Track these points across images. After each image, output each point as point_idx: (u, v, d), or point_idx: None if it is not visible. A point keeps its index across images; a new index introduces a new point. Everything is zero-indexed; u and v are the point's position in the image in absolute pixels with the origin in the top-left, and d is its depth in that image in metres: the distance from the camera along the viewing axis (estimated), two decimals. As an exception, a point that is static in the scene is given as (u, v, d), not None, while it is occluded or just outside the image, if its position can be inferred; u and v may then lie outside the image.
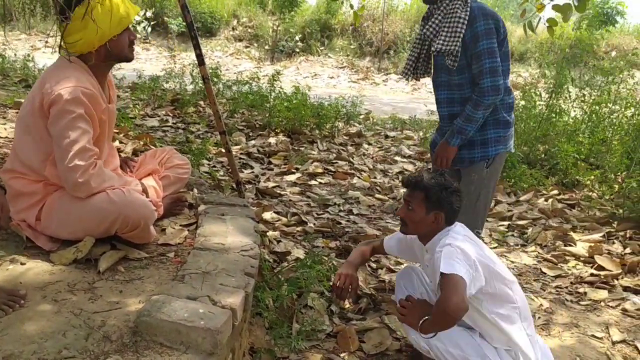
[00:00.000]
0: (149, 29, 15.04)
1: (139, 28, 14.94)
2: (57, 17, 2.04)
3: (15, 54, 8.11)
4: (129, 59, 2.25)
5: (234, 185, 2.84)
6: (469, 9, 2.41)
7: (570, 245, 3.80)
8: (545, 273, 3.46)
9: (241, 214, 2.50)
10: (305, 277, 2.63)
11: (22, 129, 2.08)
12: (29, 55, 8.70)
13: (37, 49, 12.72)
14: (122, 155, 3.31)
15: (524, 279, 3.36)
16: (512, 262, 3.60)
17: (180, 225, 2.44)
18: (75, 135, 1.97)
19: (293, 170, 5.07)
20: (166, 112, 6.49)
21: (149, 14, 14.99)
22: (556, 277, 3.42)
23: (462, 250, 1.87)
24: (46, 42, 13.30)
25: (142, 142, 3.69)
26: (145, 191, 2.33)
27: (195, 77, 7.71)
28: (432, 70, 2.71)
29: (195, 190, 2.83)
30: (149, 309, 1.61)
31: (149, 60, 13.33)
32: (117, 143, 3.48)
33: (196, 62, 2.64)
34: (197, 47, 2.54)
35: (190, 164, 2.73)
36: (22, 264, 1.92)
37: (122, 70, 7.75)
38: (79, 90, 1.99)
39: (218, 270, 1.92)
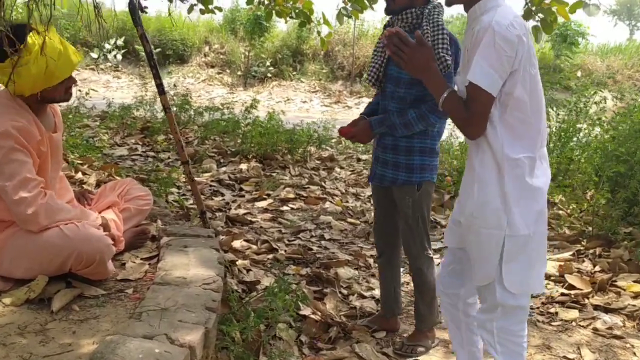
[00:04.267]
0: (120, 57, 14.96)
1: (109, 56, 14.85)
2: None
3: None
4: (64, 100, 2.23)
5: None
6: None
7: (541, 265, 3.81)
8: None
9: (205, 245, 2.44)
10: (273, 306, 2.57)
11: None
12: None
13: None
14: (85, 187, 3.24)
15: (496, 301, 3.34)
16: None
17: (141, 259, 2.37)
18: (12, 169, 1.91)
19: (264, 197, 5.03)
20: (136, 140, 6.42)
21: (119, 42, 14.93)
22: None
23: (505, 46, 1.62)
24: None
25: (106, 173, 3.62)
26: (105, 225, 2.26)
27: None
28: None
29: (159, 222, 2.76)
30: (102, 351, 1.54)
31: (120, 89, 13.23)
32: (79, 175, 3.40)
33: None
34: (156, 77, 2.50)
35: (151, 195, 2.67)
36: (-30, 306, 1.83)
37: (93, 100, 7.67)
38: (8, 124, 1.95)
39: (177, 305, 1.85)
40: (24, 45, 1.91)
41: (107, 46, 14.96)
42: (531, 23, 3.98)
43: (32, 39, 1.98)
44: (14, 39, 1.79)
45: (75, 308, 1.89)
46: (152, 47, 2.55)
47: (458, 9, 3.77)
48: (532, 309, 3.27)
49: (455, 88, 1.87)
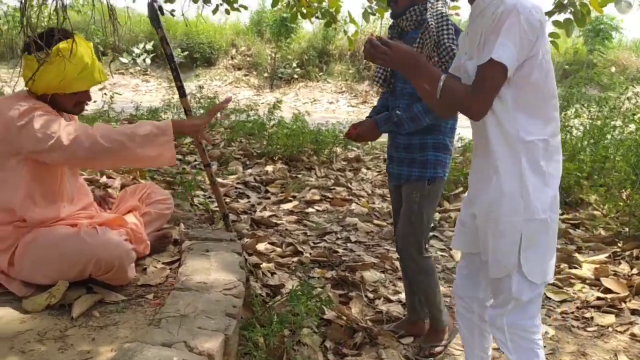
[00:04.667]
0: (149, 61, 15.15)
1: (138, 61, 15.06)
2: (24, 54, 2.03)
3: (13, 91, 8.11)
4: (72, 113, 2.22)
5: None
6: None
7: (576, 268, 3.68)
8: (550, 298, 3.33)
9: (227, 249, 2.40)
10: (296, 311, 2.53)
11: None
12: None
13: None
14: (109, 190, 3.25)
15: (528, 305, 3.23)
16: (516, 287, 3.47)
17: (163, 264, 2.35)
18: (50, 122, 1.92)
19: (290, 199, 4.99)
20: (162, 143, 6.45)
21: (148, 46, 15.12)
22: (562, 302, 3.29)
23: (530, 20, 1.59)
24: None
25: (131, 177, 3.62)
26: (130, 238, 2.21)
27: (194, 107, 7.73)
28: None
29: (182, 226, 2.74)
30: (119, 359, 1.51)
31: (149, 92, 13.39)
32: (104, 178, 3.41)
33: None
34: (177, 79, 2.48)
35: (172, 198, 2.65)
36: (-9, 312, 1.83)
37: (121, 103, 7.76)
38: (31, 103, 1.97)
39: (197, 312, 1.82)
40: (48, 49, 1.91)
41: (137, 50, 15.17)
42: (561, 16, 3.87)
43: (67, 43, 2.01)
44: (40, 41, 1.83)
45: (95, 314, 1.87)
46: (172, 49, 2.53)
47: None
48: (566, 313, 3.15)
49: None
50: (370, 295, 3.21)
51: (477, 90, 1.65)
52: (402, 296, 3.21)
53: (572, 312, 3.16)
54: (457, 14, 6.84)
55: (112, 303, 1.96)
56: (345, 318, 2.83)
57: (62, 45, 1.98)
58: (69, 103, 2.14)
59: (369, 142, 7.65)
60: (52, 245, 1.94)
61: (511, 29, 1.58)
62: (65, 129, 1.93)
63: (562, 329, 2.96)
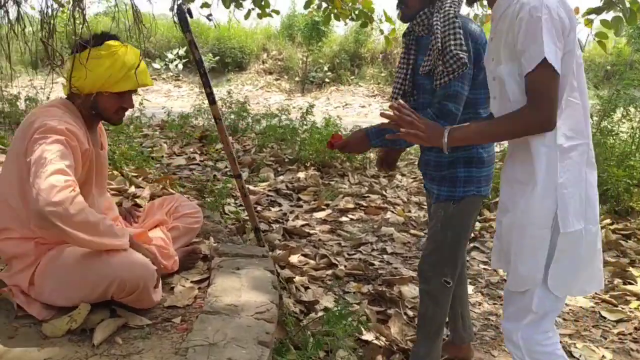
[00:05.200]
0: (180, 66, 15.22)
1: (171, 66, 15.15)
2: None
3: (48, 98, 8.17)
4: (111, 121, 2.13)
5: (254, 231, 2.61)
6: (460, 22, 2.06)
7: (631, 283, 3.42)
8: (605, 317, 3.09)
9: (258, 266, 2.26)
10: (333, 332, 2.36)
11: (8, 176, 1.92)
12: (61, 98, 8.82)
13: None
14: (138, 200, 3.14)
15: (581, 326, 3.00)
16: (567, 304, 3.23)
17: (191, 282, 2.21)
18: (54, 156, 1.77)
19: (323, 207, 4.83)
20: (194, 149, 6.39)
21: (181, 51, 15.19)
22: (618, 321, 3.05)
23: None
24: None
25: (160, 186, 3.51)
26: (154, 260, 2.07)
27: (225, 112, 7.65)
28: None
29: (212, 239, 2.61)
30: (141, 396, 1.37)
31: (181, 98, 13.42)
32: (132, 188, 3.31)
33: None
34: (206, 85, 2.35)
35: (201, 212, 2.51)
36: (9, 337, 1.71)
37: (152, 109, 7.74)
38: (64, 125, 1.87)
39: (227, 339, 1.67)
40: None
41: (170, 56, 15.26)
42: (609, 15, 3.65)
43: (114, 42, 2.04)
44: (86, 44, 1.91)
45: (119, 341, 1.74)
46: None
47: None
48: (623, 334, 2.91)
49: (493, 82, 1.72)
50: (410, 313, 3.03)
51: (536, 101, 1.51)
52: (444, 314, 3.02)
53: (630, 334, 2.92)
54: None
55: (136, 328, 1.83)
56: (384, 338, 2.65)
57: (112, 42, 2.02)
58: (112, 107, 2.07)
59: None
60: (75, 263, 1.82)
61: (543, 27, 1.48)
62: (63, 173, 1.75)
63: (619, 352, 2.73)
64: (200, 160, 6.00)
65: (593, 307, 3.22)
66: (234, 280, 2.10)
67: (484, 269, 3.74)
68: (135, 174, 3.79)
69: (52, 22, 2.03)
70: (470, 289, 3.40)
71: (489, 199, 4.86)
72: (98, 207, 2.14)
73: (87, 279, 1.80)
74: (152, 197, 3.27)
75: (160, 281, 1.99)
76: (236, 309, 1.87)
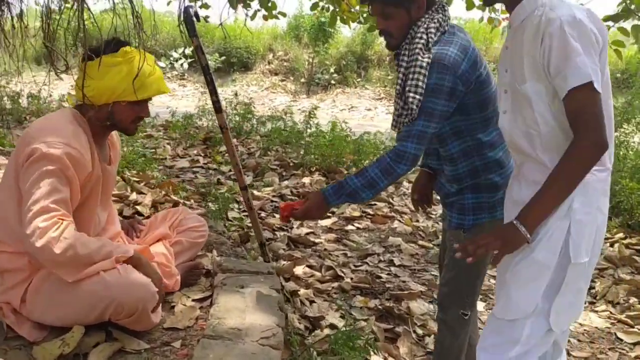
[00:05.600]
0: (186, 65, 15.12)
1: (176, 65, 15.05)
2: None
3: (50, 95, 8.08)
4: (127, 131, 2.01)
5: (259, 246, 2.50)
6: (430, 55, 1.82)
7: (648, 303, 3.30)
8: (621, 339, 2.97)
9: (264, 285, 2.14)
10: (340, 352, 2.25)
11: (5, 189, 1.81)
12: (64, 95, 8.74)
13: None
14: (139, 208, 3.03)
15: (597, 348, 2.88)
16: (581, 324, 3.12)
17: (193, 300, 2.10)
18: (40, 193, 1.66)
19: (329, 215, 4.71)
20: (198, 151, 6.28)
21: (187, 50, 15.09)
22: (635, 344, 2.93)
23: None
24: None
25: (163, 192, 3.40)
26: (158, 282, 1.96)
27: (229, 114, 7.54)
28: None
29: (215, 253, 2.50)
30: None
31: (185, 97, 13.32)
32: (134, 195, 3.20)
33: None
34: (213, 93, 2.24)
35: (206, 225, 2.40)
36: (-3, 361, 1.61)
37: (156, 108, 7.63)
38: (61, 149, 1.73)
39: (230, 369, 1.56)
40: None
41: (175, 55, 15.16)
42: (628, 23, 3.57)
43: (129, 48, 1.92)
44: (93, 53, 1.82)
45: (114, 367, 1.63)
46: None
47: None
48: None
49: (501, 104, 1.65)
50: (419, 331, 2.92)
51: (589, 125, 1.38)
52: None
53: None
54: (506, 19, 6.49)
55: (133, 352, 1.72)
56: (392, 359, 2.54)
57: (127, 48, 1.92)
58: (129, 117, 1.96)
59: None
60: (70, 283, 1.71)
61: (580, 45, 1.36)
62: (47, 210, 1.66)
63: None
64: (204, 163, 5.89)
65: (608, 327, 3.10)
66: (238, 300, 1.99)
67: (495, 284, 3.61)
68: (137, 179, 3.68)
69: (53, 22, 1.93)
70: (480, 305, 3.28)
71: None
72: (100, 222, 2.04)
73: (83, 300, 1.69)
74: (154, 204, 3.17)
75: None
76: (240, 333, 1.76)
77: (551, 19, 1.38)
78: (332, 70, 15.13)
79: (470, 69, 1.83)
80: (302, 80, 15.27)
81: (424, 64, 1.79)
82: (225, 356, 1.63)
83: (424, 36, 1.83)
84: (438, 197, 2.28)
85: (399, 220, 4.74)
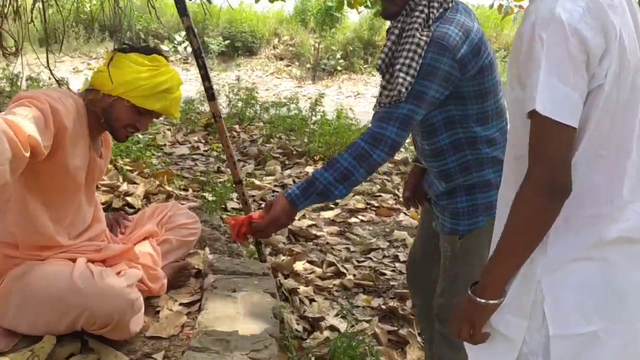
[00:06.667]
0: (189, 49, 14.90)
1: (179, 48, 14.84)
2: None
3: (49, 78, 7.91)
4: (117, 134, 1.85)
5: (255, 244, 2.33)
6: (430, 32, 1.59)
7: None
8: None
9: (258, 288, 1.98)
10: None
11: None
12: (63, 78, 8.57)
13: (79, 71, 12.68)
14: (130, 199, 2.87)
15: None
16: None
17: (180, 305, 1.94)
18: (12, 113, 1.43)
19: (332, 206, 4.55)
20: (198, 138, 6.11)
21: (190, 34, 14.86)
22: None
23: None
24: (88, 64, 13.32)
25: (157, 182, 3.24)
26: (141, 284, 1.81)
27: (232, 99, 7.36)
28: None
29: (207, 251, 2.33)
30: None
31: (188, 81, 13.06)
32: (125, 185, 3.03)
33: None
34: (205, 78, 2.06)
35: (199, 221, 2.23)
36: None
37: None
38: (49, 100, 1.54)
39: (215, 389, 1.40)
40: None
41: (178, 38, 14.94)
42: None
43: (163, 60, 1.87)
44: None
45: (87, 383, 1.47)
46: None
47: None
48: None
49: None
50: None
51: (534, 159, 1.06)
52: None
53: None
54: (521, 7, 6.26)
55: (110, 365, 1.56)
56: (396, 367, 2.39)
57: (160, 58, 1.85)
58: (125, 120, 1.80)
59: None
60: (41, 284, 1.56)
61: (545, 55, 1.02)
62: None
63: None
64: (205, 150, 5.73)
65: None
66: (229, 306, 1.83)
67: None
68: (131, 168, 3.51)
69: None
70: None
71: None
72: (85, 217, 1.87)
73: (53, 307, 1.54)
74: (147, 194, 3.00)
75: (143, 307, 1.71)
76: (228, 346, 1.60)
77: (528, 13, 1.07)
78: (338, 56, 14.88)
79: (471, 53, 1.61)
80: (308, 65, 15.03)
81: (422, 43, 1.57)
82: (210, 373, 1.47)
83: (426, 10, 1.60)
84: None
85: (405, 213, 4.56)
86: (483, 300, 1.15)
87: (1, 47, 1.67)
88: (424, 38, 1.57)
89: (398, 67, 1.58)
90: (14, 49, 1.71)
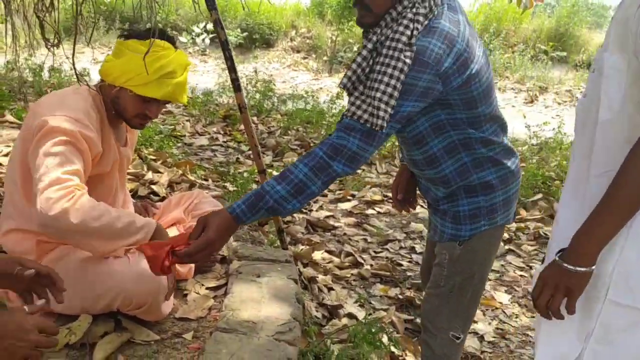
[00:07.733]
0: (208, 41, 14.98)
1: (198, 40, 14.93)
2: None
3: (71, 68, 8.04)
4: (130, 123, 1.89)
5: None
6: (412, 51, 1.45)
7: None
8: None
9: (281, 274, 2.05)
10: (359, 352, 2.16)
11: (14, 174, 1.72)
12: (85, 69, 8.69)
13: (99, 62, 12.84)
14: (155, 188, 2.95)
15: None
16: None
17: (207, 289, 2.01)
18: (52, 164, 1.54)
19: (349, 197, 4.60)
20: (217, 129, 6.19)
21: (209, 26, 14.94)
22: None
23: None
24: (108, 55, 13.46)
25: (180, 172, 3.32)
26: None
27: (250, 91, 7.43)
28: None
29: (231, 238, 2.40)
30: None
31: (207, 73, 13.20)
32: (150, 174, 3.11)
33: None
34: (232, 70, 2.12)
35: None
36: None
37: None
38: (75, 124, 1.62)
39: (243, 367, 1.47)
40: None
41: (197, 30, 15.02)
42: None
43: (163, 43, 1.82)
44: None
45: (121, 359, 1.55)
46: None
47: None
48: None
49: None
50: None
51: None
52: (479, 327, 2.80)
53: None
54: (540, 0, 6.23)
55: (142, 344, 1.64)
56: (413, 357, 2.44)
57: (159, 42, 1.79)
58: (133, 110, 1.82)
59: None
60: (78, 270, 1.64)
61: None
62: (59, 181, 1.53)
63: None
64: (224, 141, 5.80)
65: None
66: (254, 290, 1.90)
67: (521, 275, 3.48)
68: (154, 157, 3.60)
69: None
70: (505, 298, 3.16)
71: (524, 197, 4.57)
72: (118, 201, 1.95)
73: (90, 289, 1.61)
74: (170, 183, 3.08)
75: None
76: (255, 327, 1.67)
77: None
78: (355, 48, 14.87)
79: (455, 65, 1.48)
80: (325, 58, 15.04)
81: (405, 68, 1.42)
82: (239, 351, 1.54)
83: (411, 25, 1.46)
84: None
85: (421, 205, 4.60)
86: (579, 268, 1.12)
87: (44, 39, 1.72)
88: (408, 60, 1.43)
89: (379, 94, 1.44)
90: (56, 40, 1.77)
